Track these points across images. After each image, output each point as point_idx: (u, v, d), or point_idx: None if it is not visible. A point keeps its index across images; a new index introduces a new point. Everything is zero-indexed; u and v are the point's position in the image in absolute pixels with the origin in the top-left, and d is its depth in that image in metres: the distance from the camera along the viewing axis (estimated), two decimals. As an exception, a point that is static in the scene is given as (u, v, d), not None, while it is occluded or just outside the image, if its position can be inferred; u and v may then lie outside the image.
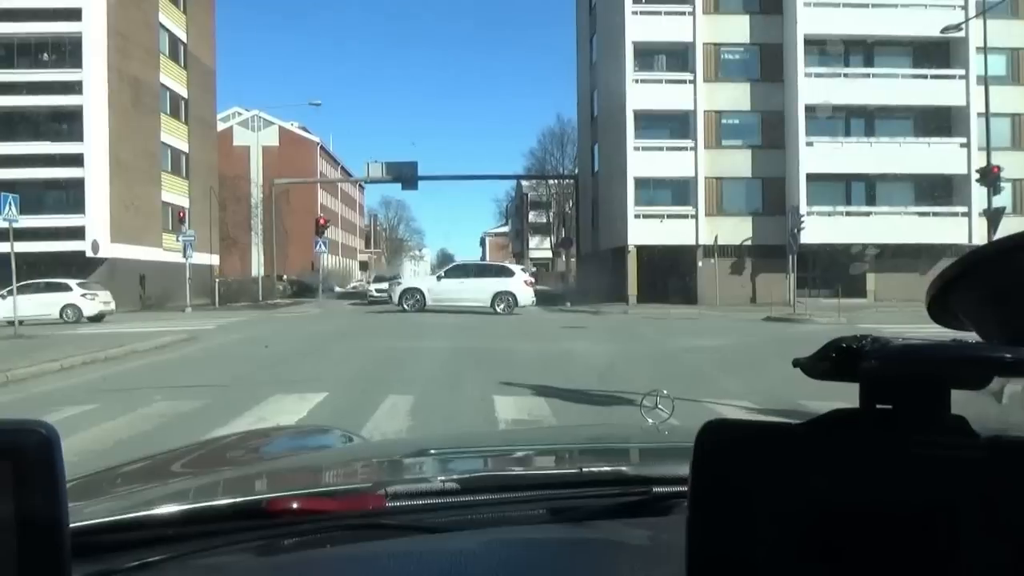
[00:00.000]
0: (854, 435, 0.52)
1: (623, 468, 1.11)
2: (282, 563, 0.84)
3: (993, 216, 20.10)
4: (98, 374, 10.53)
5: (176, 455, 1.73)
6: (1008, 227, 20.63)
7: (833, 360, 0.55)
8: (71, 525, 0.81)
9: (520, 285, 23.90)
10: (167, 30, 39.02)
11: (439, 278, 24.05)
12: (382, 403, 7.41)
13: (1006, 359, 0.50)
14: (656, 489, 0.97)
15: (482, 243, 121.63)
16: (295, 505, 0.92)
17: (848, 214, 29.49)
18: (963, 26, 24.53)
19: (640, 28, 30.47)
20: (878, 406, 0.54)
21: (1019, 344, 0.59)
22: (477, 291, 23.14)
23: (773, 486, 0.51)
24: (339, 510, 0.93)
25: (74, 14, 32.37)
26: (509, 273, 24.38)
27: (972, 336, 0.64)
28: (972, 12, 26.57)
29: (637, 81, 30.58)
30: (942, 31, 23.31)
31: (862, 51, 30.40)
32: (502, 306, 23.32)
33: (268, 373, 10.34)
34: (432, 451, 1.60)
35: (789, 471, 0.51)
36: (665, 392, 1.56)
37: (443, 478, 1.04)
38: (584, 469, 1.13)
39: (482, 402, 7.52)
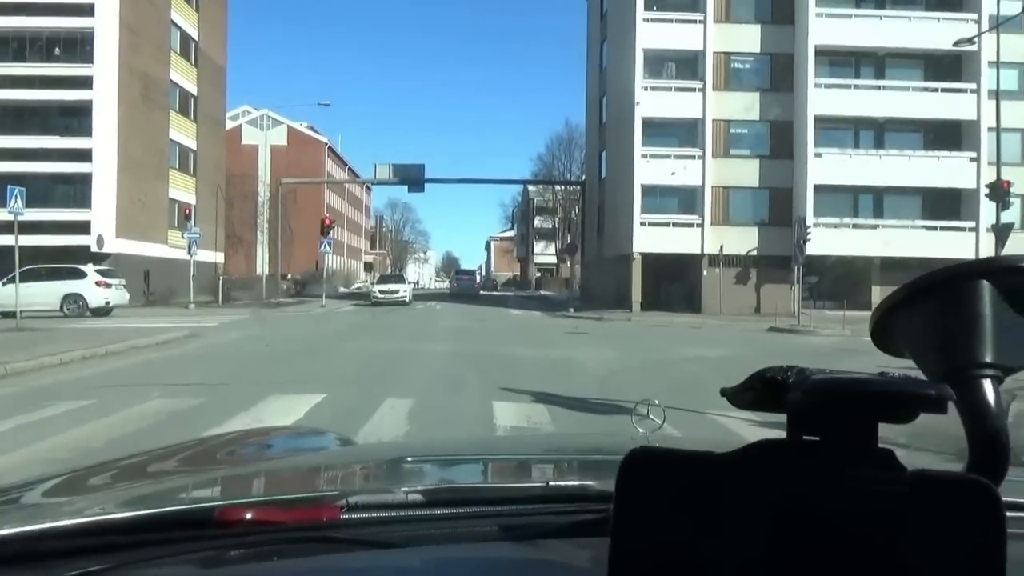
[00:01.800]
0: (779, 466, 0.52)
1: (590, 483, 1.06)
2: (225, 575, 0.81)
3: (1001, 231, 19.96)
4: (97, 369, 10.50)
5: (166, 454, 1.72)
6: (1016, 242, 20.50)
7: (759, 391, 0.55)
8: (9, 531, 0.79)
9: (91, 287, 23.54)
10: (178, 27, 39.14)
11: (3, 283, 21.08)
12: (380, 406, 7.34)
13: (930, 395, 0.50)
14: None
15: (487, 247, 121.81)
16: (247, 515, 0.88)
17: (855, 226, 29.36)
18: (975, 40, 24.42)
19: (651, 35, 30.43)
20: (805, 437, 0.53)
21: (954, 376, 0.60)
22: (45, 294, 22.35)
23: (696, 515, 0.51)
24: (292, 521, 0.90)
25: (87, 10, 32.50)
26: (80, 275, 23.76)
27: (909, 364, 0.64)
28: (985, 26, 26.46)
29: (646, 88, 30.52)
30: (954, 44, 23.21)
31: (873, 63, 30.29)
32: (72, 308, 23.00)
33: (267, 372, 10.29)
34: (409, 459, 1.57)
35: (712, 500, 0.51)
36: (656, 402, 1.53)
37: (406, 489, 1.01)
38: (550, 483, 1.10)
39: (481, 407, 7.45)
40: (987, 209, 24.75)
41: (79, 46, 32.81)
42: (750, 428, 5.59)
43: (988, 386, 0.61)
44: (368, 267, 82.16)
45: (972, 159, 28.70)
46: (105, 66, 32.59)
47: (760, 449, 0.52)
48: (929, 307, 0.64)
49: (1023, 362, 0.65)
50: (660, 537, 0.51)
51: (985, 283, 0.62)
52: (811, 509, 0.49)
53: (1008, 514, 0.49)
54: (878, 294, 28.61)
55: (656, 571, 0.51)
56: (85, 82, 32.43)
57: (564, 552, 0.84)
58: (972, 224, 28.30)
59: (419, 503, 0.97)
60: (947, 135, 29.45)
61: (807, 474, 0.50)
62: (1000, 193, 20.20)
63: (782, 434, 0.54)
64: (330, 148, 74.56)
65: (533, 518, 0.94)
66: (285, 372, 10.30)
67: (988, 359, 0.61)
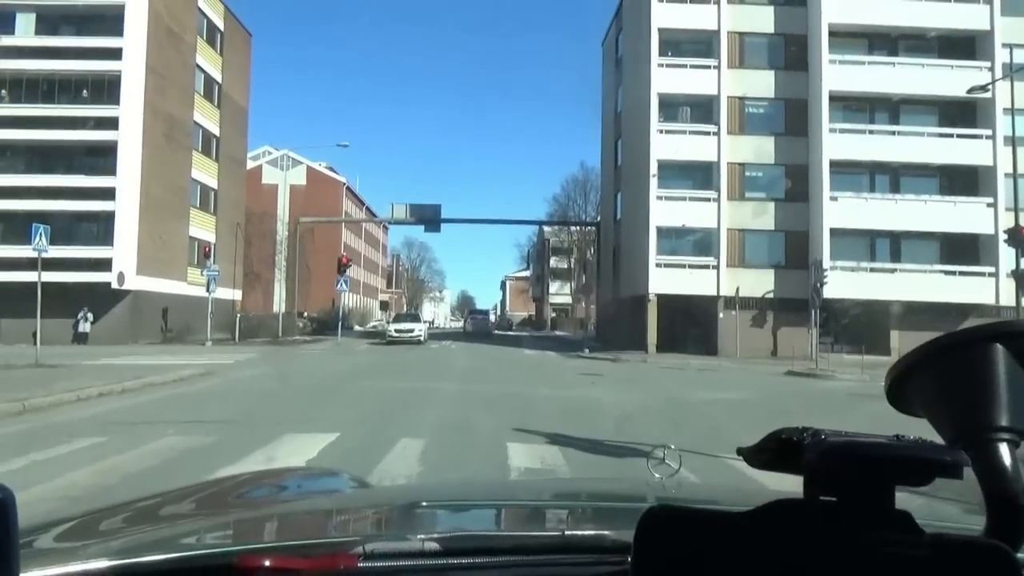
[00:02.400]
0: (797, 527, 0.51)
1: (606, 533, 1.07)
2: None
3: (1021, 277, 19.79)
4: (113, 405, 10.55)
5: (180, 495, 1.73)
6: (1037, 288, 20.27)
7: (774, 451, 0.55)
8: None
9: None
10: (203, 70, 40.10)
11: None
12: (394, 446, 7.31)
13: (945, 461, 0.51)
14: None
15: (503, 287, 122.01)
16: (266, 562, 0.90)
17: (872, 270, 29.20)
18: (989, 87, 24.52)
19: (666, 80, 30.82)
20: (822, 498, 0.53)
21: (969, 439, 0.59)
22: None
23: (711, 572, 0.50)
24: (310, 569, 0.91)
25: (115, 53, 33.39)
26: None
27: (924, 425, 0.63)
28: (999, 73, 26.59)
29: (662, 132, 30.82)
30: (968, 91, 23.31)
31: (887, 108, 30.43)
32: None
33: (281, 411, 10.31)
34: (424, 503, 1.58)
35: (730, 560, 0.50)
36: (672, 446, 1.54)
37: (423, 536, 1.02)
38: (566, 533, 1.11)
39: (495, 448, 7.40)
40: (1006, 254, 24.57)
41: (106, 88, 33.64)
42: (767, 475, 5.51)
43: (1004, 450, 0.61)
44: (384, 305, 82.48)
45: (989, 204, 28.58)
46: (131, 108, 33.37)
47: (777, 508, 0.52)
48: (944, 370, 0.63)
49: None
50: None
51: (999, 347, 0.61)
52: (829, 570, 0.49)
53: None
54: (896, 339, 28.34)
55: None
56: (111, 123, 33.18)
57: None
58: (991, 269, 28.07)
59: (435, 552, 0.97)
60: (964, 180, 29.40)
61: (825, 535, 0.50)
62: (1018, 239, 20.08)
63: (800, 482, 0.54)
64: (348, 188, 75.48)
65: (549, 568, 0.94)
66: (299, 410, 10.31)
67: (1004, 423, 0.61)
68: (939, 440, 0.63)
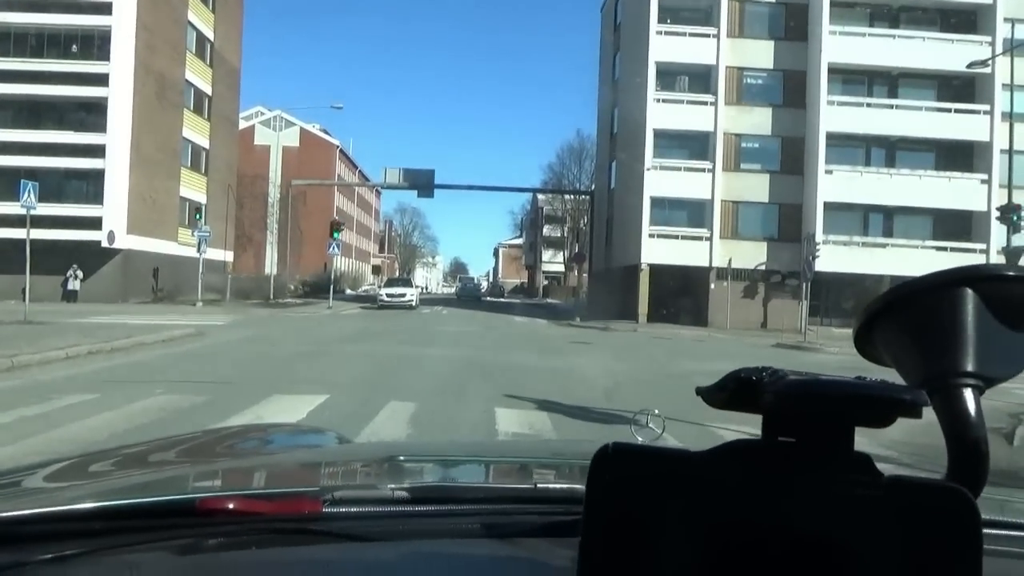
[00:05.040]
0: (753, 466, 0.51)
1: (578, 486, 1.08)
2: (201, 563, 0.82)
3: (1012, 255, 19.87)
4: (103, 364, 10.54)
5: (166, 444, 1.75)
6: (1026, 266, 20.35)
7: (733, 391, 0.54)
8: None
9: None
10: (195, 27, 39.39)
11: None
12: (382, 409, 7.35)
13: (904, 400, 0.50)
14: None
15: (495, 254, 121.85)
16: (229, 505, 0.89)
17: (864, 244, 29.26)
18: (989, 63, 24.36)
19: (664, 48, 30.47)
20: (780, 439, 0.53)
21: (933, 384, 0.59)
22: None
23: (667, 512, 0.50)
24: (272, 513, 0.90)
25: (105, 8, 32.74)
26: None
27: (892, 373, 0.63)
28: (999, 48, 26.39)
29: (658, 100, 30.56)
30: (968, 66, 23.15)
31: (886, 82, 30.24)
32: None
33: (271, 372, 10.32)
34: (401, 457, 1.57)
35: (684, 498, 0.50)
36: (656, 411, 1.53)
37: (393, 486, 1.01)
38: (539, 485, 1.10)
39: (484, 413, 7.44)
40: (998, 231, 24.64)
41: (96, 44, 33.04)
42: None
43: (968, 395, 0.60)
44: (376, 270, 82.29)
45: (983, 181, 28.59)
46: (121, 64, 32.82)
47: (734, 448, 0.52)
48: (911, 315, 0.63)
49: (1005, 373, 0.63)
50: (629, 533, 0.50)
51: (968, 291, 0.61)
52: (784, 510, 0.49)
53: (987, 531, 0.48)
54: (886, 313, 28.41)
55: (625, 567, 0.50)
56: (101, 79, 32.64)
57: (544, 551, 0.84)
58: (983, 246, 28.15)
59: (403, 500, 0.96)
60: (959, 156, 29.35)
61: (781, 475, 0.50)
62: (1011, 216, 20.12)
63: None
64: (341, 151, 74.85)
65: (518, 518, 0.94)
66: (289, 372, 10.32)
67: (969, 368, 0.60)
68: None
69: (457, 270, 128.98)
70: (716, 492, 0.50)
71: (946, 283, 0.60)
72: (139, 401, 7.37)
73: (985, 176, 28.55)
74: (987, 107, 28.55)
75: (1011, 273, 0.60)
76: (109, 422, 6.37)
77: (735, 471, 0.51)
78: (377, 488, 1.05)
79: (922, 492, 0.48)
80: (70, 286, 31.59)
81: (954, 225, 29.10)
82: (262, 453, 1.75)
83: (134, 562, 0.80)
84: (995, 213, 22.87)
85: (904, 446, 4.46)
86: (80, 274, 31.71)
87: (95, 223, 31.61)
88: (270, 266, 50.35)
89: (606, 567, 0.51)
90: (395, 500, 0.96)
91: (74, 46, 33.36)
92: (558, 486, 1.19)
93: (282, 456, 1.70)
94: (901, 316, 0.63)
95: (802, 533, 0.48)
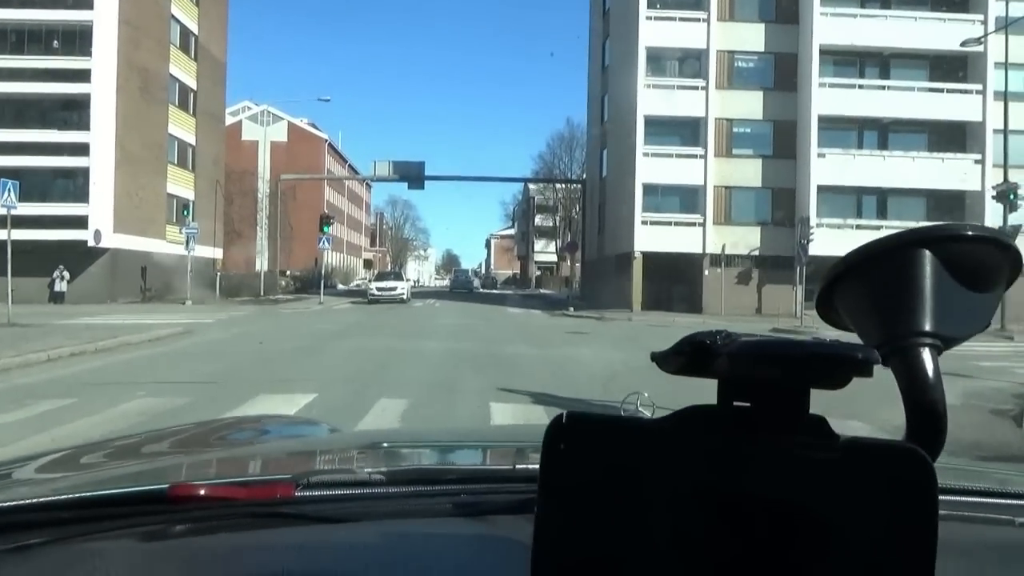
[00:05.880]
0: (708, 432, 0.51)
1: None
2: (171, 548, 0.82)
3: (1008, 235, 19.73)
4: (85, 366, 10.25)
5: (159, 436, 1.77)
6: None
7: (688, 355, 0.54)
8: None
9: None
10: (179, 22, 38.82)
11: None
12: (373, 406, 7.11)
13: (855, 358, 0.50)
14: None
15: (487, 245, 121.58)
16: (201, 492, 0.88)
17: (859, 227, 29.08)
18: (982, 40, 24.16)
19: (654, 33, 30.16)
20: (735, 403, 0.53)
21: (891, 344, 0.60)
22: None
23: (623, 481, 0.50)
24: (244, 498, 0.89)
25: (86, 2, 32.19)
26: None
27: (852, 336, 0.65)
28: (992, 27, 26.19)
29: (649, 86, 30.26)
30: (961, 45, 22.98)
31: (878, 63, 30.02)
32: None
33: (259, 371, 10.06)
34: (385, 444, 1.55)
35: (641, 466, 0.50)
36: (646, 394, 1.53)
37: (369, 470, 1.00)
38: (517, 466, 1.08)
39: (478, 408, 7.23)
40: (993, 211, 24.50)
41: (78, 39, 32.48)
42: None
43: (927, 355, 0.59)
44: (368, 264, 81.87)
45: (977, 161, 28.45)
46: (104, 59, 32.27)
47: (690, 415, 0.52)
48: (870, 278, 0.62)
49: (964, 332, 0.63)
50: (585, 503, 0.50)
51: (927, 252, 0.60)
52: (740, 476, 0.49)
53: (946, 497, 0.50)
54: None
55: (584, 536, 0.50)
56: (83, 75, 32.11)
57: (520, 528, 0.78)
58: (977, 226, 28.01)
59: (378, 482, 0.95)
60: (952, 137, 29.19)
61: (736, 441, 0.50)
62: (1006, 195, 19.97)
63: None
64: (330, 145, 74.24)
65: (493, 496, 0.93)
66: (277, 371, 10.07)
67: (927, 328, 0.60)
68: None
69: (449, 262, 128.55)
70: (672, 460, 0.50)
71: (904, 244, 0.61)
72: (119, 405, 7.10)
73: (978, 156, 28.39)
74: (980, 87, 28.37)
75: (969, 233, 0.62)
76: (86, 429, 6.09)
77: (691, 438, 0.51)
78: (353, 472, 1.06)
79: (878, 453, 0.48)
80: (57, 287, 31.15)
81: (949, 206, 28.93)
82: (253, 443, 1.75)
83: (100, 549, 0.80)
84: (991, 192, 22.70)
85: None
86: (67, 275, 31.26)
87: (81, 222, 31.16)
88: (260, 262, 49.94)
89: (562, 538, 0.51)
90: (370, 483, 0.96)
91: (55, 42, 32.82)
92: (535, 466, 1.03)
93: (266, 446, 1.69)
94: (861, 278, 0.63)
95: (760, 498, 0.49)
